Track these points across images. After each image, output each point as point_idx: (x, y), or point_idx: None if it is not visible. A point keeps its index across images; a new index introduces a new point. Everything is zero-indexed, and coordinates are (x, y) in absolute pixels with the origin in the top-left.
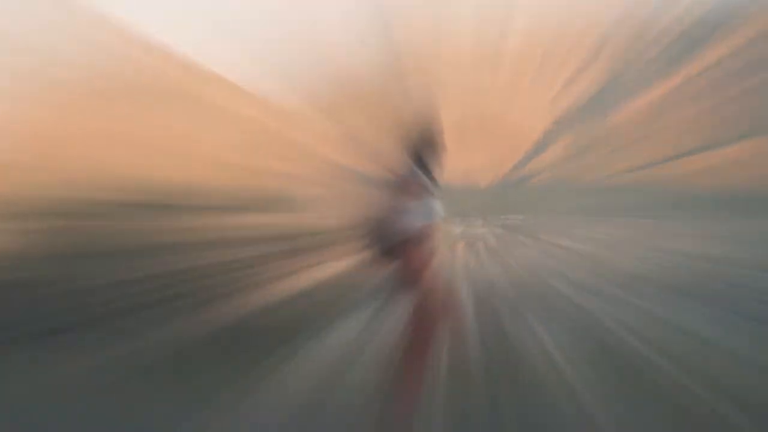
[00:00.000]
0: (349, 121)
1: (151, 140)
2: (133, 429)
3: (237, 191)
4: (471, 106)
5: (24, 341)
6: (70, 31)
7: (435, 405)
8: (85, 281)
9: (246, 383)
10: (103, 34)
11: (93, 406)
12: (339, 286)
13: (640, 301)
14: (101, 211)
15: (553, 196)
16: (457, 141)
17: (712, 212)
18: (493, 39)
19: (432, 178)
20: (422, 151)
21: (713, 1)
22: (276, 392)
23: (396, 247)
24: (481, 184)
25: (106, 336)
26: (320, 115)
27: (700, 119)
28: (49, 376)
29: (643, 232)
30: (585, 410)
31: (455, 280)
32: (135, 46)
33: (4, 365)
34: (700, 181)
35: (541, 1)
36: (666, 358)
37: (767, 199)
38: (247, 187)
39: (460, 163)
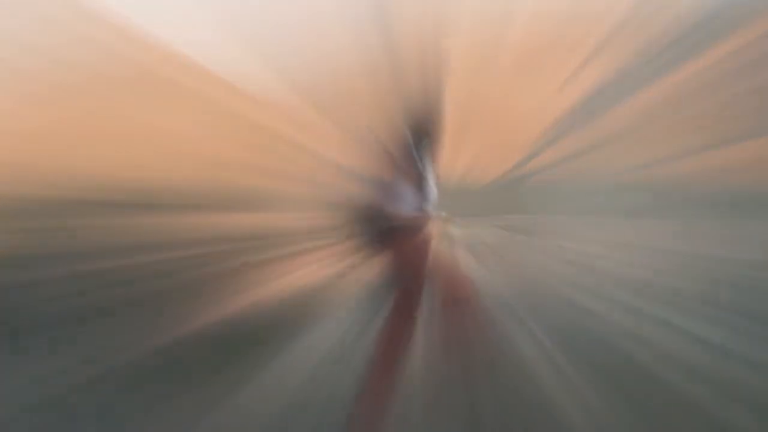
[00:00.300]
0: (343, 110)
1: (138, 138)
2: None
3: (228, 190)
4: (471, 102)
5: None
6: (38, 16)
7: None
8: (62, 281)
9: (223, 385)
10: (83, 24)
11: (67, 407)
12: (328, 285)
13: (642, 303)
14: (83, 211)
15: (555, 195)
16: (457, 138)
17: (717, 213)
18: (495, 31)
19: (428, 165)
20: (419, 135)
21: None
22: (253, 396)
23: (388, 234)
24: (481, 182)
25: (80, 336)
26: (312, 106)
27: (706, 117)
28: (24, 377)
29: (646, 233)
30: (583, 413)
31: (459, 275)
32: (117, 36)
33: None
34: (706, 181)
35: None
36: (664, 358)
37: None
38: (238, 185)
39: (459, 161)
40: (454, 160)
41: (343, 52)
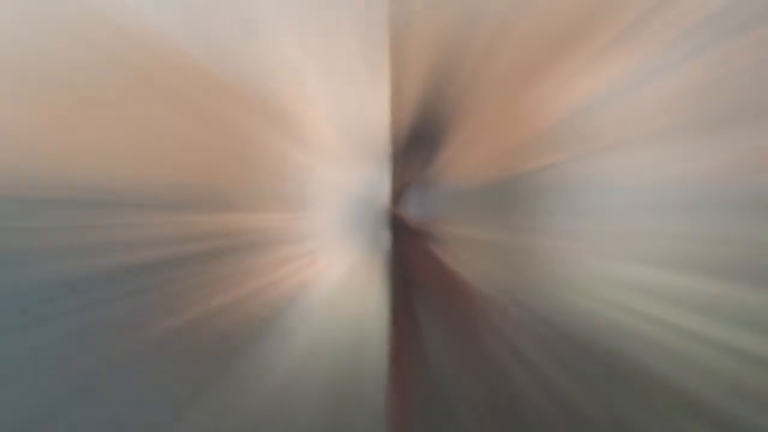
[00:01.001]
0: (342, 109)
1: (133, 137)
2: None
3: (225, 189)
4: (473, 101)
5: None
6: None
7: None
8: (32, 278)
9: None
10: (81, 23)
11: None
12: (326, 285)
13: (643, 304)
14: (77, 210)
15: (556, 195)
16: (458, 138)
17: (719, 213)
18: (496, 30)
19: (429, 165)
20: (419, 135)
21: None
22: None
23: (386, 235)
24: (482, 182)
25: (77, 335)
26: (310, 105)
27: (708, 117)
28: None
29: (647, 233)
30: (583, 413)
31: (458, 276)
32: (107, 34)
33: None
34: (707, 181)
35: None
36: (667, 358)
37: None
38: (237, 185)
39: (460, 161)
40: (455, 160)
41: (343, 51)
